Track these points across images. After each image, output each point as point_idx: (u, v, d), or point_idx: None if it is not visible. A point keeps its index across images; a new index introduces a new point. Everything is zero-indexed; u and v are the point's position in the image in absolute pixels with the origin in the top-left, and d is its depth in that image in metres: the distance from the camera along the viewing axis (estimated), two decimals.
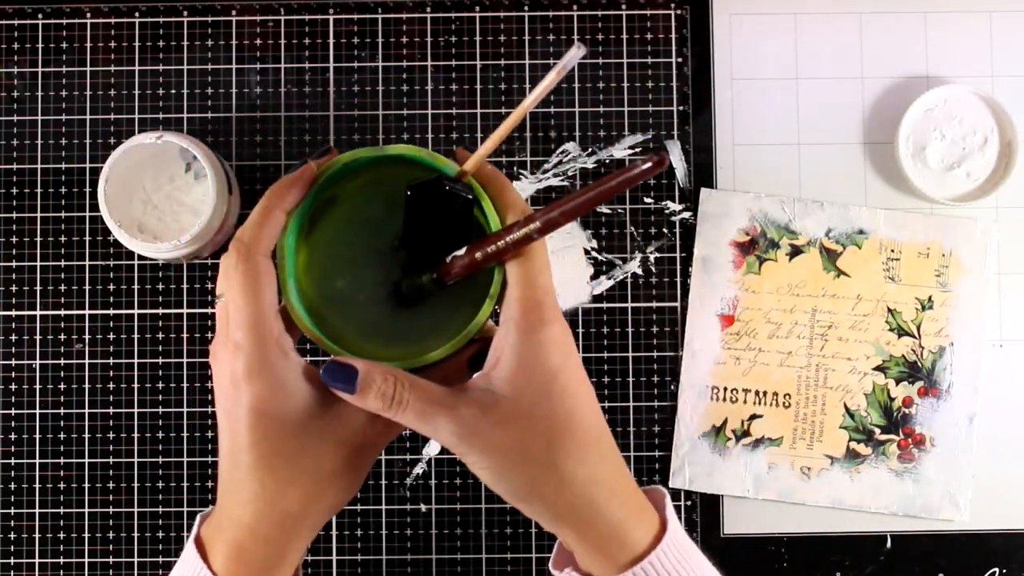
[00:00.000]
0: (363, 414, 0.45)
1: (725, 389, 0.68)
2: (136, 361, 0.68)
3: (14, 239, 0.68)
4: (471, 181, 0.44)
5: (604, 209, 0.68)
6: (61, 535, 0.67)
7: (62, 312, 0.68)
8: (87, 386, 0.68)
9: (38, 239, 0.68)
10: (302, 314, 0.44)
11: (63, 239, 0.68)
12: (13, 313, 0.68)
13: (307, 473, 0.44)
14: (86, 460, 0.68)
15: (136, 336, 0.68)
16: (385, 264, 0.46)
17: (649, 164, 0.38)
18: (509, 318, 0.43)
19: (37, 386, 0.68)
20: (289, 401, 0.43)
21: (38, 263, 0.68)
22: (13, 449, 0.67)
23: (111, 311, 0.68)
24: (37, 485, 0.67)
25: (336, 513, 0.49)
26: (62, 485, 0.67)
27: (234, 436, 0.44)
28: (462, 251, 0.44)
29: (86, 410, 0.68)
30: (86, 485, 0.67)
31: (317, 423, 0.44)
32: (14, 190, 0.69)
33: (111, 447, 0.68)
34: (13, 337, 0.68)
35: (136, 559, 0.67)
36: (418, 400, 0.43)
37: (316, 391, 0.45)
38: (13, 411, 0.67)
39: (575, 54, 0.38)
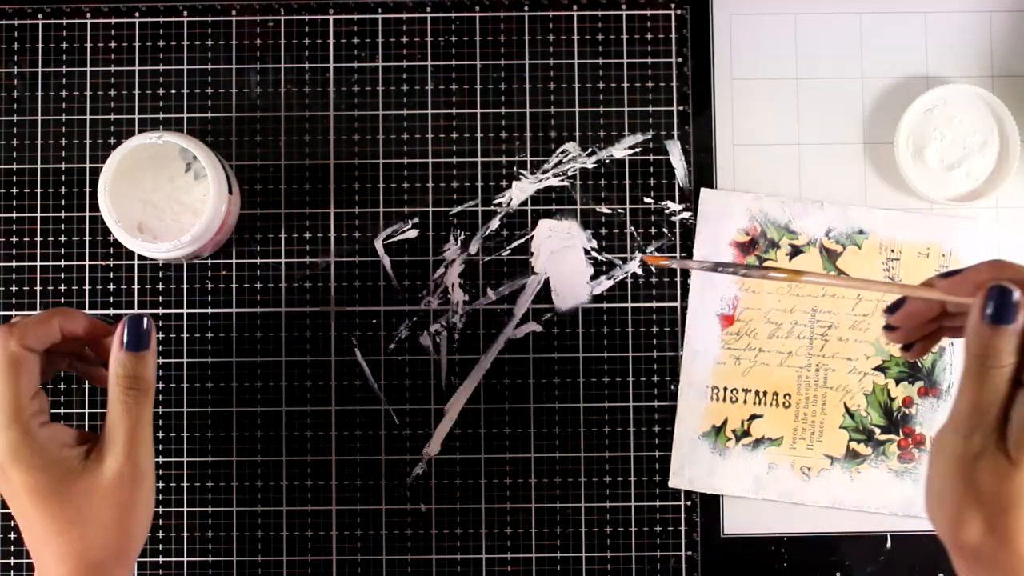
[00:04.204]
0: (121, 463, 0.51)
1: (725, 389, 0.68)
2: None
3: (14, 239, 0.68)
4: None
5: (604, 209, 0.68)
6: None
7: None
8: (87, 386, 0.68)
9: (38, 239, 0.68)
10: None
11: (63, 239, 0.68)
12: (13, 313, 0.68)
13: (95, 527, 0.50)
14: None
15: None
16: None
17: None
18: None
19: None
20: (54, 473, 0.49)
21: (38, 263, 0.68)
22: None
23: (111, 311, 0.68)
24: None
25: (141, 546, 0.54)
26: None
27: (21, 514, 0.50)
28: None
29: (86, 410, 0.68)
30: None
31: (86, 484, 0.50)
32: (14, 190, 0.69)
33: None
34: None
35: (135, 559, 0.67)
36: None
37: (75, 452, 0.51)
38: None
39: None
